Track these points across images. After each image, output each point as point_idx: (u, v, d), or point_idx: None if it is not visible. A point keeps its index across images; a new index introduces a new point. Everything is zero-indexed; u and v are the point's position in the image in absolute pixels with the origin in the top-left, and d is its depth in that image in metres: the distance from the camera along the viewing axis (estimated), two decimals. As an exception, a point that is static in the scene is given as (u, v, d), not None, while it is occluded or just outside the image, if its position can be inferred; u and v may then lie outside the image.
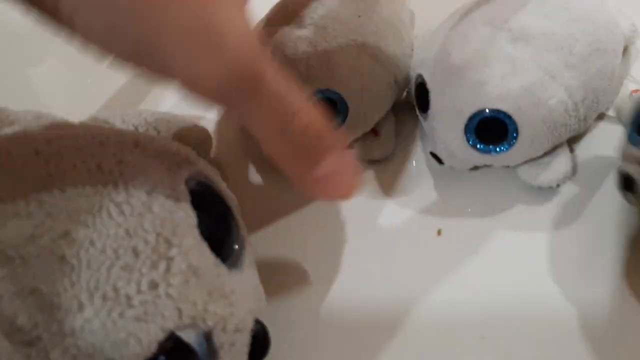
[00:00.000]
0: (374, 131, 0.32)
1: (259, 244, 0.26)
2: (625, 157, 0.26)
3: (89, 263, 0.18)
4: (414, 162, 0.32)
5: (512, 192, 0.29)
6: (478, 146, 0.28)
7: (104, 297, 0.17)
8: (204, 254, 0.20)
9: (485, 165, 0.30)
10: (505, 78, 0.27)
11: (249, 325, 0.22)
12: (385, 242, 0.29)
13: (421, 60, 0.31)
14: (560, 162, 0.29)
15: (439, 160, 0.30)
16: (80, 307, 0.17)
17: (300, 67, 0.29)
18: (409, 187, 0.31)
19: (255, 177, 0.34)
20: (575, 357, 0.24)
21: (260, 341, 0.22)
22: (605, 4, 0.29)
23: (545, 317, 0.25)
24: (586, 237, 0.27)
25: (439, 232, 0.29)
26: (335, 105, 0.30)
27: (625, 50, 0.30)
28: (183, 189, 0.21)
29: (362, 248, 0.29)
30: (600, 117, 0.31)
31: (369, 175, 0.32)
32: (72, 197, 0.19)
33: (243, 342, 0.21)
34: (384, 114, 0.31)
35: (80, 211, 0.18)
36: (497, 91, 0.27)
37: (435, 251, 0.28)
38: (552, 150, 0.29)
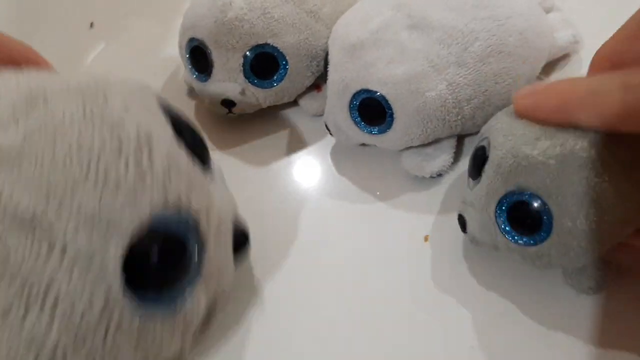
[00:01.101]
0: (317, 87, 0.34)
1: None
2: (463, 199, 0.26)
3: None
4: (400, 167, 0.31)
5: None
6: (359, 124, 0.29)
7: (96, 180, 0.18)
8: (181, 152, 0.22)
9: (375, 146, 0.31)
10: (391, 63, 0.28)
11: (229, 221, 0.24)
12: (371, 248, 0.29)
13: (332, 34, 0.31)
14: (441, 156, 0.29)
15: (330, 132, 0.31)
16: (75, 185, 0.18)
17: (236, 22, 0.30)
18: (396, 193, 0.30)
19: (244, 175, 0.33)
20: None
21: (241, 240, 0.25)
22: (535, 11, 0.30)
23: (536, 326, 0.25)
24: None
25: (426, 238, 0.28)
26: (275, 60, 0.31)
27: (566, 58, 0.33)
28: (154, 103, 0.22)
29: (347, 254, 0.28)
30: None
31: (354, 179, 0.31)
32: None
33: (227, 237, 0.23)
34: (325, 69, 0.32)
35: (66, 112, 0.19)
36: (380, 74, 0.28)
37: (422, 258, 0.28)
38: (437, 142, 0.30)
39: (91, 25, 0.43)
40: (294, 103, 0.34)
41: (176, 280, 0.21)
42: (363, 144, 0.32)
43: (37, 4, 0.45)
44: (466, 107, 0.28)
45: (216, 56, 0.31)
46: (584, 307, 0.25)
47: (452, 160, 0.30)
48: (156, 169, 0.20)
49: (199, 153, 0.23)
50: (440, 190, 0.30)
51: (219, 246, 0.22)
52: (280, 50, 0.31)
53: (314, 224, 0.30)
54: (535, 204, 0.22)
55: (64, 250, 0.18)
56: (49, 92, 0.20)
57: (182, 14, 0.33)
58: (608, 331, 0.24)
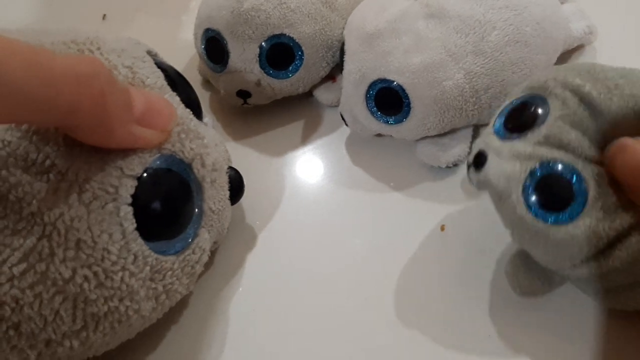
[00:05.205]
0: (332, 77, 0.34)
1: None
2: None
3: None
4: (416, 157, 0.31)
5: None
6: (375, 114, 0.29)
7: None
8: (175, 99, 0.24)
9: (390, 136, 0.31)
10: (408, 52, 0.27)
11: (224, 167, 0.26)
12: (387, 238, 0.29)
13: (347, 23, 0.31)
14: (457, 146, 0.29)
15: (346, 122, 0.31)
16: None
17: (252, 12, 0.30)
18: (413, 182, 0.30)
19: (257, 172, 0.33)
20: (580, 354, 0.24)
21: (236, 184, 0.26)
22: (551, 2, 0.30)
23: (553, 315, 0.25)
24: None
25: (442, 228, 0.28)
26: (291, 50, 0.31)
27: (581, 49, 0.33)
28: (146, 56, 0.24)
29: (363, 244, 0.29)
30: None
31: (369, 170, 0.31)
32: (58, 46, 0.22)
33: (222, 179, 0.25)
34: (340, 60, 0.32)
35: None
36: (397, 63, 0.27)
37: (439, 247, 0.28)
38: (453, 132, 0.30)
39: (104, 17, 0.43)
40: (309, 94, 0.34)
41: (182, 218, 0.23)
42: (378, 135, 0.32)
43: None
44: (483, 97, 0.28)
45: (232, 47, 0.31)
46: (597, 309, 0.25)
47: (468, 150, 0.29)
48: None
49: (193, 106, 0.25)
50: (456, 180, 0.30)
51: (215, 187, 0.24)
52: (296, 41, 0.31)
53: (329, 214, 0.30)
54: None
55: (81, 192, 0.20)
56: (48, 47, 0.21)
57: (193, 8, 0.34)
58: (620, 322, 0.24)
